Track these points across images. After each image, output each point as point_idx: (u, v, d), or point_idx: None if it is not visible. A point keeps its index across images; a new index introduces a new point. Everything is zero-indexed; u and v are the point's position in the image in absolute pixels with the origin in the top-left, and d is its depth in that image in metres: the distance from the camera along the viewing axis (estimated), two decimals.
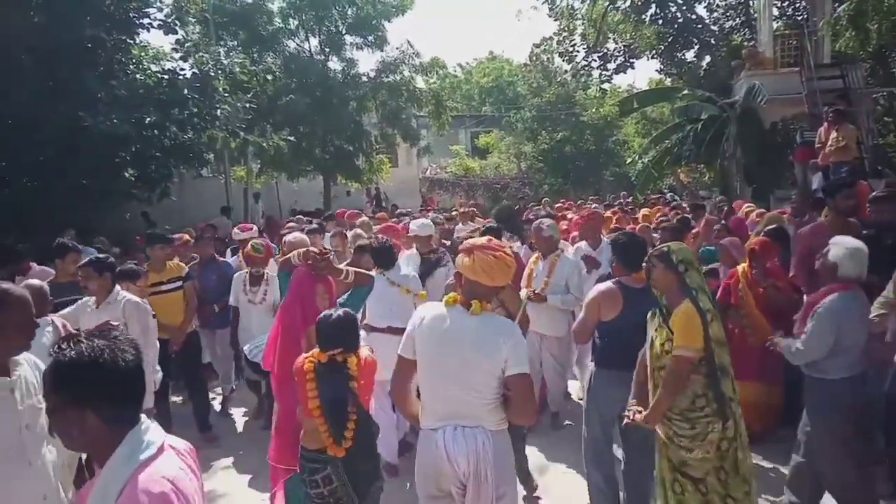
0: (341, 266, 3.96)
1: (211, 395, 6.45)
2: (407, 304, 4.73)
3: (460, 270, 2.74)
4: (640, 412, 3.26)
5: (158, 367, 4.72)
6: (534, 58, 27.02)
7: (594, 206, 12.29)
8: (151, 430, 1.53)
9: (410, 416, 2.86)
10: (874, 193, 4.37)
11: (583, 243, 6.14)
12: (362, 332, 4.62)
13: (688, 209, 10.16)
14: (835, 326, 3.46)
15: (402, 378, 2.80)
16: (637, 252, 3.78)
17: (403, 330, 4.36)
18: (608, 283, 3.82)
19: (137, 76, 11.58)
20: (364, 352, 3.16)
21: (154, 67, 12.22)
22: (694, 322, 3.05)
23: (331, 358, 3.04)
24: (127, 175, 11.66)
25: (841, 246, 3.56)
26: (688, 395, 3.09)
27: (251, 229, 6.81)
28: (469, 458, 2.55)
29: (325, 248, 5.06)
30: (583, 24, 21.79)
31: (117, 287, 4.33)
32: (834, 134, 9.63)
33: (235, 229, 6.96)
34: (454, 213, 12.01)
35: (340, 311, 3.13)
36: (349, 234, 7.22)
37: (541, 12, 22.45)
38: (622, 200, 14.55)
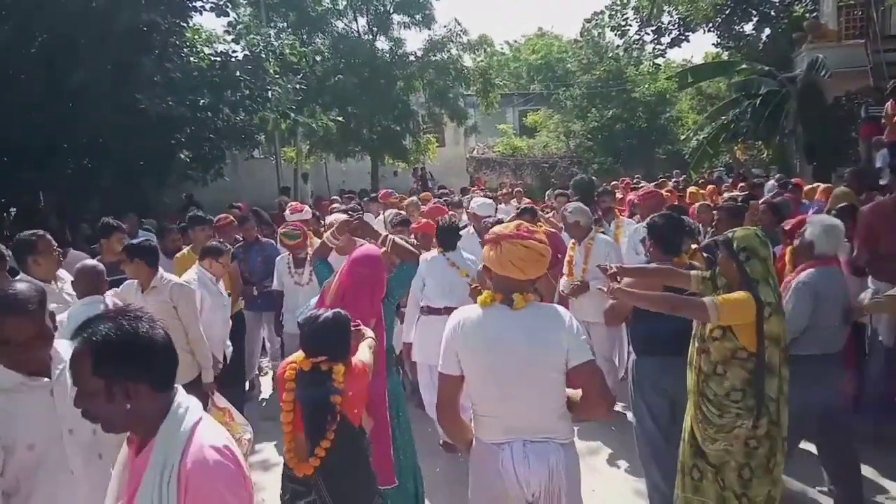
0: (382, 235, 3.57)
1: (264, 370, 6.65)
2: (466, 287, 4.59)
3: (487, 264, 2.43)
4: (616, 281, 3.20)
5: (228, 342, 4.94)
6: (585, 33, 26.44)
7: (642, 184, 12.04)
8: (188, 397, 1.59)
9: (464, 442, 2.50)
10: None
11: (641, 225, 5.70)
12: (420, 315, 4.74)
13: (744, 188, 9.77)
14: (811, 300, 3.44)
15: (449, 399, 2.43)
16: (676, 234, 3.64)
17: None
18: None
19: (191, 59, 11.82)
20: (356, 358, 2.71)
21: (207, 50, 12.47)
22: (747, 309, 2.83)
23: (314, 366, 2.60)
24: (182, 156, 11.98)
25: (817, 224, 3.60)
26: (725, 384, 2.91)
27: (302, 210, 6.70)
28: (541, 479, 2.29)
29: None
30: None
31: (160, 271, 4.17)
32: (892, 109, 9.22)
33: (287, 211, 6.85)
34: (498, 194, 11.94)
35: (329, 313, 2.67)
36: (384, 213, 7.07)
37: None
38: (677, 180, 14.15)
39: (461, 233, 5.50)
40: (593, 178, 12.74)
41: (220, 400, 4.14)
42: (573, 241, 5.36)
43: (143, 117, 10.17)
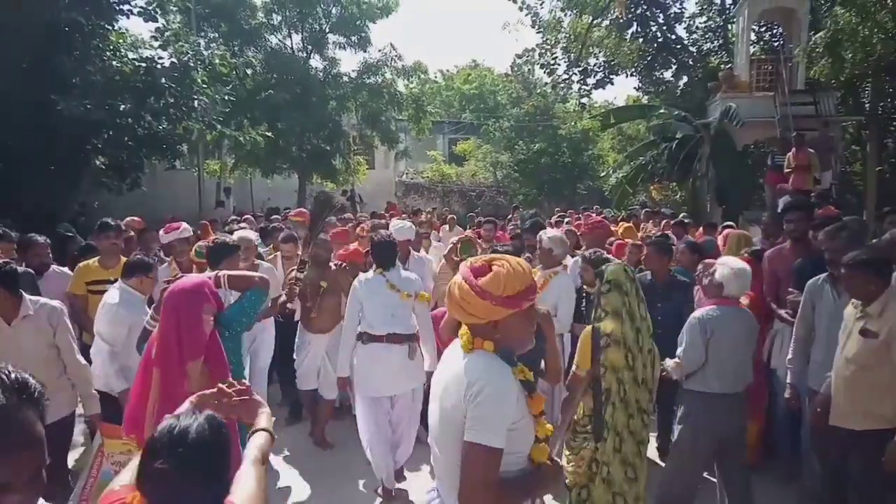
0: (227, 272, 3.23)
1: None
2: (408, 309, 4.33)
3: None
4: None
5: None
6: (515, 68, 27.20)
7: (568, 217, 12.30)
8: None
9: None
10: (828, 228, 4.16)
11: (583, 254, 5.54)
12: (358, 343, 4.28)
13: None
14: (702, 335, 3.52)
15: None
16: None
17: (405, 337, 4.24)
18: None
19: (114, 62, 11.35)
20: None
21: (132, 55, 12.00)
22: (585, 344, 3.35)
23: None
24: (97, 163, 11.42)
25: (726, 266, 3.63)
26: (582, 410, 3.42)
27: (179, 228, 5.59)
28: None
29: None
30: (566, 37, 22.00)
31: (25, 297, 3.54)
32: (793, 157, 9.99)
33: (161, 231, 5.72)
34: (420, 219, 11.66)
35: (192, 423, 1.49)
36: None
37: (525, 24, 22.45)
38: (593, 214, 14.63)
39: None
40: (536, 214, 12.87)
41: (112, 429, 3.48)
42: (537, 268, 5.04)
43: (57, 119, 9.66)
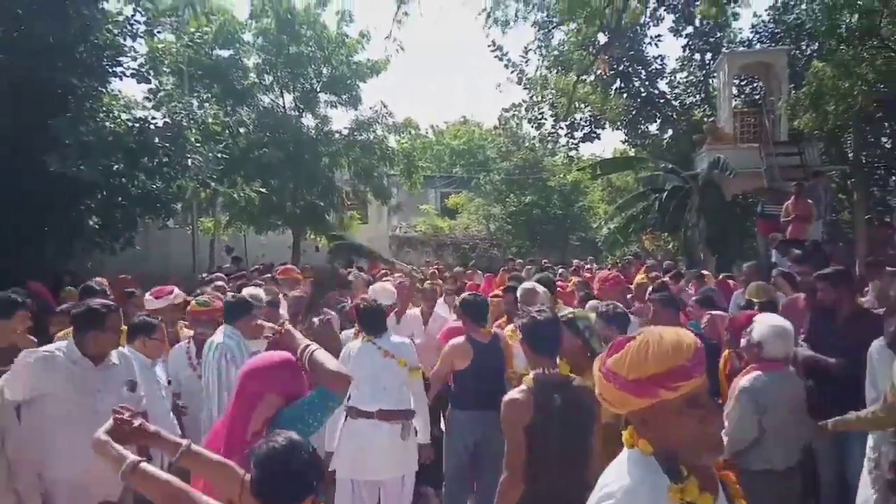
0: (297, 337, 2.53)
1: None
2: (402, 379, 3.98)
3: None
4: None
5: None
6: (503, 122, 27.71)
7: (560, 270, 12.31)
8: None
9: None
10: (819, 272, 4.26)
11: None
12: (346, 419, 3.92)
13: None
14: (754, 407, 3.16)
15: None
16: (481, 309, 4.44)
17: (397, 414, 3.90)
18: (461, 339, 4.33)
19: (107, 123, 11.48)
20: None
21: (125, 116, 12.16)
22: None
23: None
24: (91, 223, 11.41)
25: (766, 324, 3.33)
26: None
27: (172, 293, 5.03)
28: None
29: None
30: (552, 93, 22.49)
31: None
32: (792, 207, 10.07)
33: (149, 295, 5.05)
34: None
35: (281, 439, 1.77)
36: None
37: (512, 80, 22.93)
38: (588, 265, 14.70)
39: None
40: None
41: None
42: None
43: (50, 181, 9.70)
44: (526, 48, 22.24)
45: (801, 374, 3.91)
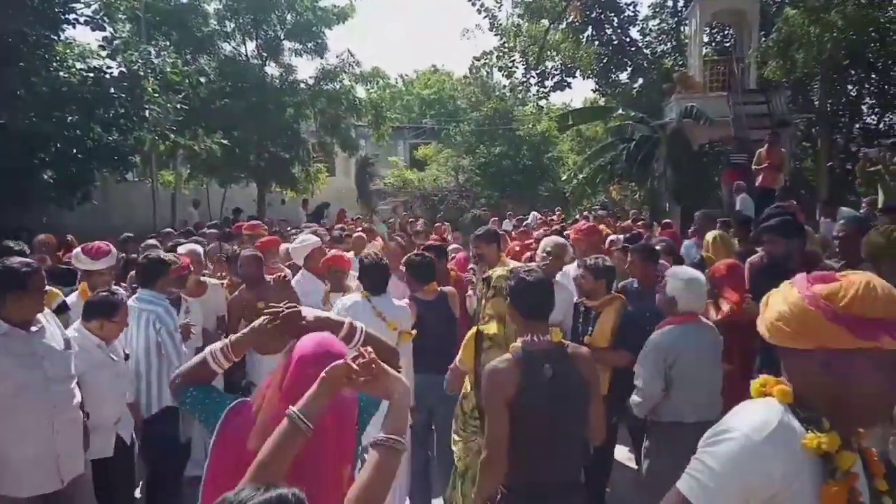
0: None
1: None
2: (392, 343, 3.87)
3: None
4: None
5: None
6: (474, 71, 27.27)
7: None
8: None
9: None
10: (765, 223, 4.05)
11: (573, 265, 4.98)
12: None
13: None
14: (661, 361, 3.16)
15: None
16: (428, 269, 4.28)
17: None
18: (405, 300, 4.15)
19: (61, 73, 11.01)
20: None
21: (79, 65, 11.66)
22: (469, 344, 3.27)
23: None
24: (45, 177, 11.03)
25: (677, 278, 3.30)
26: (469, 405, 3.32)
27: (108, 252, 4.49)
28: None
29: None
30: (524, 41, 22.14)
31: None
32: (764, 155, 10.15)
33: (81, 254, 4.49)
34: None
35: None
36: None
37: (483, 28, 22.55)
38: (554, 217, 14.78)
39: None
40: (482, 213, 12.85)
41: None
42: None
43: (1, 134, 9.32)
44: None
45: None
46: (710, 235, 5.77)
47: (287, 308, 1.93)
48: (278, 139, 17.74)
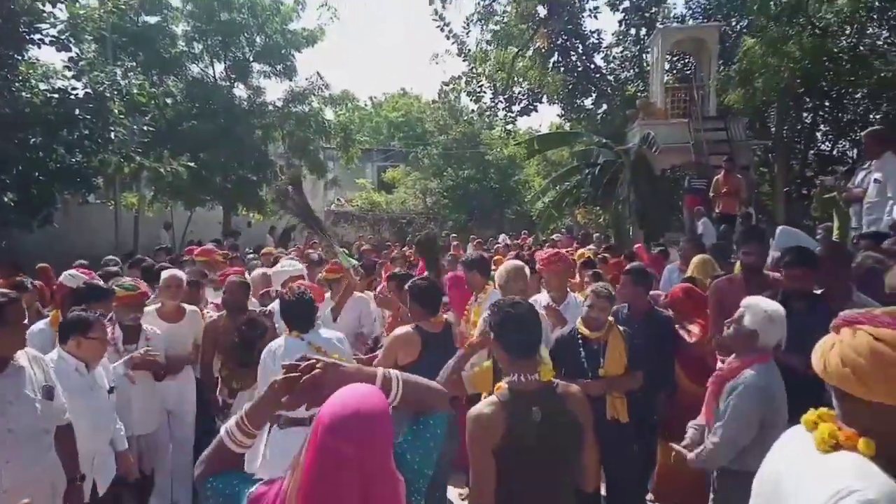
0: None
1: None
2: None
3: None
4: None
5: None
6: (442, 95, 27.58)
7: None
8: None
9: None
10: (786, 257, 3.73)
11: (543, 294, 5.06)
12: (271, 430, 3.44)
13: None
14: (761, 406, 2.85)
15: None
16: (434, 296, 3.88)
17: None
18: (406, 328, 3.71)
19: (23, 94, 10.82)
20: None
21: (43, 86, 11.49)
22: (487, 376, 3.15)
23: None
24: (6, 199, 10.79)
25: (758, 309, 2.96)
26: None
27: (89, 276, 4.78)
28: None
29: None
30: (491, 66, 22.49)
31: None
32: (722, 182, 10.45)
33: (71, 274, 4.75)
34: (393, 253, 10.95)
35: None
36: (250, 276, 5.60)
37: (452, 53, 22.80)
38: (519, 241, 14.96)
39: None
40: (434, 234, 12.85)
41: None
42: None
43: None
44: (468, 20, 22.13)
45: None
46: (697, 258, 5.71)
47: (306, 367, 1.58)
48: (246, 161, 17.63)
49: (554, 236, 15.51)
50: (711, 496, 3.09)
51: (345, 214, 25.23)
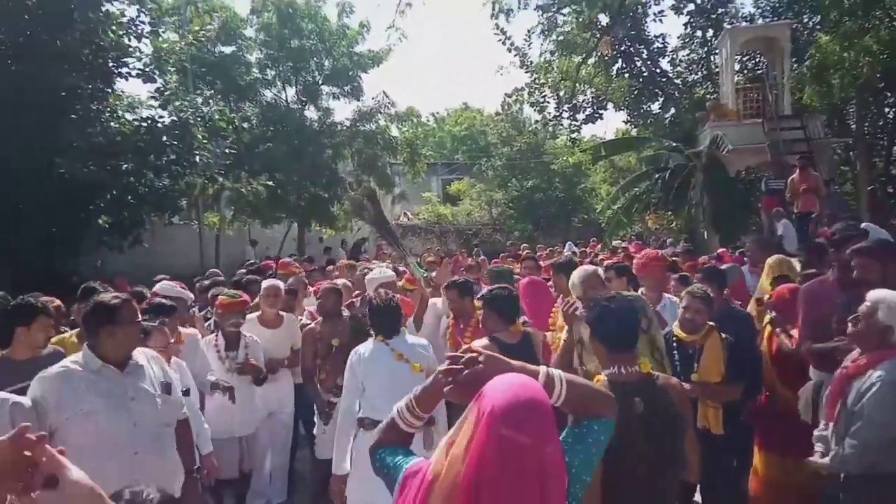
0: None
1: None
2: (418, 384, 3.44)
3: None
4: None
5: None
6: (505, 107, 27.68)
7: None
8: None
9: None
10: (857, 245, 3.56)
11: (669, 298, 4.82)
12: (359, 432, 3.52)
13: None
14: None
15: None
16: (514, 305, 3.70)
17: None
18: (483, 340, 3.46)
19: (111, 123, 11.58)
20: None
21: (129, 115, 12.27)
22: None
23: None
24: (100, 222, 11.55)
25: (890, 303, 2.84)
26: None
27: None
28: None
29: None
30: (555, 76, 22.45)
31: None
32: (798, 180, 10.12)
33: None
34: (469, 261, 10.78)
35: None
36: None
37: (515, 65, 22.82)
38: (590, 248, 14.77)
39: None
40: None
41: None
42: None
43: (60, 182, 9.82)
44: (529, 32, 22.18)
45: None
46: (773, 259, 5.31)
47: (469, 360, 1.58)
48: (318, 180, 18.24)
49: (614, 243, 15.16)
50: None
51: (412, 227, 25.59)
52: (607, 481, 2.26)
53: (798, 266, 5.38)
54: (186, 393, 3.58)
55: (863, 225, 5.56)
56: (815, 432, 3.13)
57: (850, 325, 2.93)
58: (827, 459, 2.88)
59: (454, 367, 1.59)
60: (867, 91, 14.14)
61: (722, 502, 3.78)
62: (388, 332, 3.61)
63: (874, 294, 2.92)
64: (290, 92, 19.14)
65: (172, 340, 3.83)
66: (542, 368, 1.63)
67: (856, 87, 12.50)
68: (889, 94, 16.23)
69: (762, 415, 4.04)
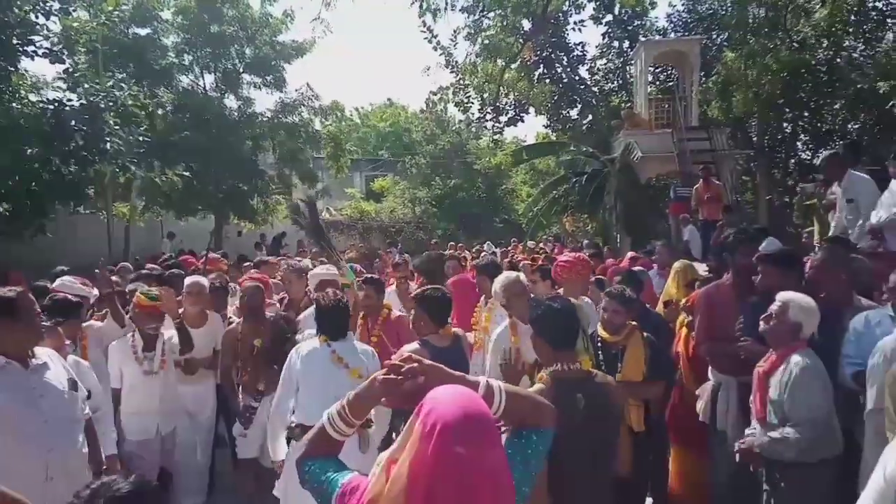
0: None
1: None
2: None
3: None
4: None
5: None
6: (430, 105, 27.83)
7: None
8: None
9: None
10: (762, 253, 3.70)
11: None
12: (291, 441, 3.42)
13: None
14: (824, 385, 2.91)
15: None
16: (447, 307, 3.64)
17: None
18: (413, 345, 3.44)
19: (14, 104, 10.89)
20: None
21: (33, 97, 11.56)
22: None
23: None
24: (0, 210, 10.86)
25: (799, 303, 3.06)
26: None
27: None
28: None
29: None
30: (479, 78, 22.76)
31: None
32: (702, 189, 10.76)
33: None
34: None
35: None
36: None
37: (440, 64, 22.96)
38: (512, 249, 15.17)
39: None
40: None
41: None
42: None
43: None
44: (455, 32, 22.39)
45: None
46: (678, 265, 5.56)
47: (409, 370, 1.56)
48: (237, 171, 17.76)
49: (529, 244, 15.69)
50: (766, 495, 3.08)
51: (335, 223, 25.35)
52: (552, 474, 2.30)
53: (704, 271, 5.72)
54: (88, 395, 3.38)
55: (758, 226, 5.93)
56: (747, 431, 3.24)
57: (762, 323, 3.12)
58: (765, 439, 2.99)
59: (393, 377, 1.56)
60: (768, 107, 15.14)
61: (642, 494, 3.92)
62: (332, 334, 3.48)
63: (784, 295, 3.11)
64: (209, 79, 18.55)
65: (68, 342, 3.71)
66: (482, 379, 1.61)
67: (757, 102, 13.37)
68: (788, 110, 17.40)
69: (676, 413, 4.28)
